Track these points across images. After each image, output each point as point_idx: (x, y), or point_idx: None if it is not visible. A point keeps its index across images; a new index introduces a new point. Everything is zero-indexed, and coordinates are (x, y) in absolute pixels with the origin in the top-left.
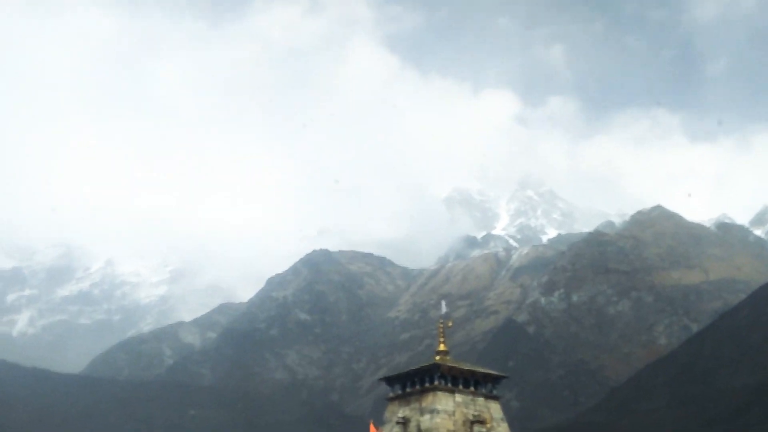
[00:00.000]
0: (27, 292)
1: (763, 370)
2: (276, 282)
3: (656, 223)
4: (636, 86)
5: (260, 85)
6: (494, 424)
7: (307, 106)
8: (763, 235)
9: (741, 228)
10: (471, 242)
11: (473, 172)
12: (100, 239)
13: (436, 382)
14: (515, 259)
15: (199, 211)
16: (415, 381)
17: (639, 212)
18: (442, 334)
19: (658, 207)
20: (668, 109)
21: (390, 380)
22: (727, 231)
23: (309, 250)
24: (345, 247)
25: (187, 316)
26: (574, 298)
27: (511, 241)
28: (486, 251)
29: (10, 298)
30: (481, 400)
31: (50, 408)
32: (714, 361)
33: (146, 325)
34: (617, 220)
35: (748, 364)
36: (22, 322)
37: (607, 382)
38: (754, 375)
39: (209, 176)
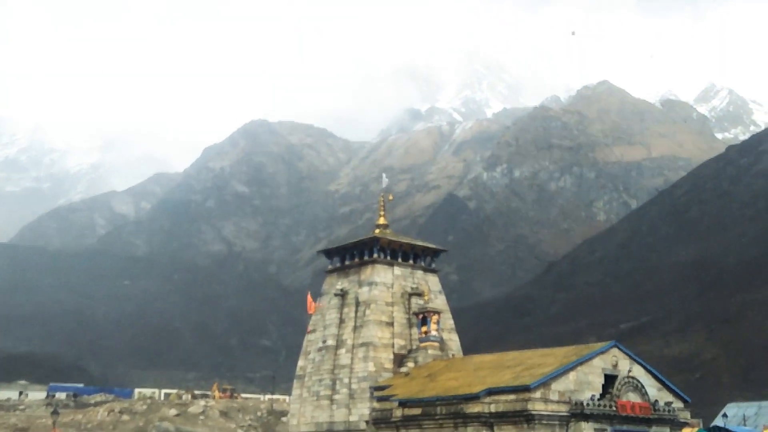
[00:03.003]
0: None
1: (700, 245)
2: (213, 152)
3: (602, 99)
4: None
5: None
6: (432, 296)
7: None
8: (706, 113)
9: (685, 105)
10: (414, 115)
11: (419, 42)
12: (28, 104)
13: (375, 255)
14: (459, 133)
15: (132, 77)
16: (355, 254)
17: (585, 87)
18: (382, 208)
19: (605, 82)
20: None
21: (329, 253)
22: (671, 108)
23: (247, 120)
24: (285, 118)
25: (120, 186)
26: (516, 173)
27: (456, 115)
28: (429, 125)
29: None
30: (419, 272)
31: None
32: (651, 237)
33: (77, 194)
34: (563, 95)
35: (685, 240)
36: None
37: (545, 257)
38: (690, 251)
39: (143, 40)
